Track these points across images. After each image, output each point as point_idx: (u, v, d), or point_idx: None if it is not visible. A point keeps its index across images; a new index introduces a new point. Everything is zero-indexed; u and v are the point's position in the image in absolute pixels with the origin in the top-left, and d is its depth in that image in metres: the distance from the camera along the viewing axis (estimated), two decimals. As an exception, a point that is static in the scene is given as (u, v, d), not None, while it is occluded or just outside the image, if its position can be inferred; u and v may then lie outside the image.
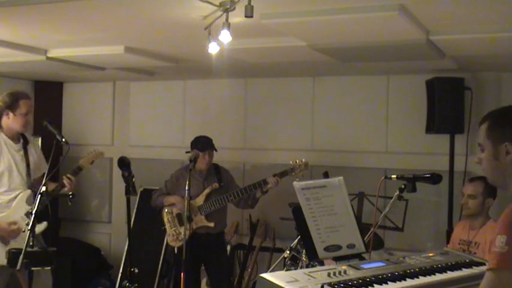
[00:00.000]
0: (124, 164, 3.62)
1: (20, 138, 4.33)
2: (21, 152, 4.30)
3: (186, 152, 4.97)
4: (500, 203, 3.85)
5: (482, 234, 3.79)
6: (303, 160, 4.88)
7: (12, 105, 4.18)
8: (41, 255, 3.85)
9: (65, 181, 4.18)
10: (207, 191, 4.93)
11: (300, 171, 4.84)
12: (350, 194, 3.18)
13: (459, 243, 3.92)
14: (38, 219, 3.96)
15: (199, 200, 4.92)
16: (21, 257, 3.52)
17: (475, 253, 3.70)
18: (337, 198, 2.91)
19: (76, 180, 4.27)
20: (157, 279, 5.89)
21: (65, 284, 5.87)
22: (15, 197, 4.23)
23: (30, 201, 4.21)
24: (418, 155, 5.35)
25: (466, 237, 3.88)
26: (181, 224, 4.92)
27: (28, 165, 4.31)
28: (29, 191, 4.26)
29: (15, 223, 4.15)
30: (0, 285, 4.10)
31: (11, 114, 4.19)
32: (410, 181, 3.46)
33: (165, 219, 5.02)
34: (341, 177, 2.93)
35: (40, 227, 4.09)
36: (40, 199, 3.70)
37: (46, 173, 3.85)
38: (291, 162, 4.90)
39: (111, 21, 3.72)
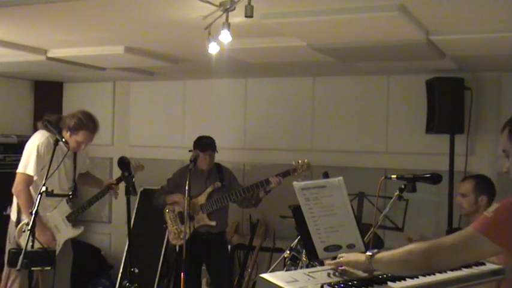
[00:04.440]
0: (124, 164, 3.62)
1: None
2: (72, 157, 4.50)
3: (189, 151, 4.98)
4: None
5: None
6: (305, 160, 4.85)
7: (76, 128, 4.33)
8: (41, 255, 3.85)
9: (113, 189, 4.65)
10: (209, 189, 4.94)
11: (302, 172, 4.82)
12: (350, 194, 3.17)
13: None
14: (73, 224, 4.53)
15: (201, 199, 4.92)
16: (21, 257, 3.52)
17: None
18: (337, 198, 2.90)
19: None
20: (157, 279, 5.88)
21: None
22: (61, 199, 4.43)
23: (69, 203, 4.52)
24: (418, 155, 5.34)
25: None
26: (182, 222, 4.92)
27: (75, 169, 4.54)
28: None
29: (53, 234, 4.35)
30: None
31: (69, 133, 4.33)
32: (410, 181, 3.46)
33: (167, 218, 5.05)
34: (341, 177, 2.92)
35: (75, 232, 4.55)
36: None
37: (47, 173, 3.84)
38: (293, 163, 4.88)
39: (111, 21, 3.72)
